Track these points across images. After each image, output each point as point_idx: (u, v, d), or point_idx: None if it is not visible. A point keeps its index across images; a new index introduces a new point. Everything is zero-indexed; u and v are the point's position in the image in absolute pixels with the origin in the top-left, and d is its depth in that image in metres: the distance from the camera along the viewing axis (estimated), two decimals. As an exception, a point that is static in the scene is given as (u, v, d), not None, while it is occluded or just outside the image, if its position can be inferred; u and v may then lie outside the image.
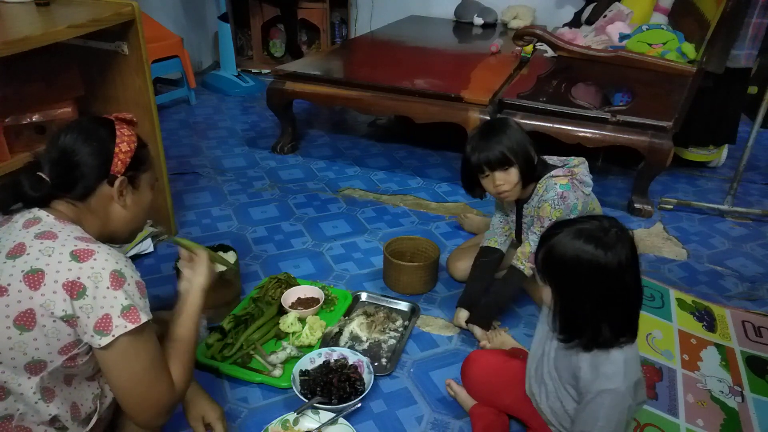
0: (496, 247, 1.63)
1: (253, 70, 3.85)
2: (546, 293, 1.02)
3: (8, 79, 1.50)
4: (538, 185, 1.49)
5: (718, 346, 1.55)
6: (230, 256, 1.59)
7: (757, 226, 2.23)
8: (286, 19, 3.85)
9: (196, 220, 2.10)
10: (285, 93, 2.48)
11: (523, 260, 1.51)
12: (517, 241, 1.64)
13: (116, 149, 0.97)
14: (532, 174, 1.46)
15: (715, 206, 2.28)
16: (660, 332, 1.56)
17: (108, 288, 0.86)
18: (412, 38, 3.24)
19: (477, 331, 1.53)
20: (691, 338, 1.56)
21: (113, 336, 0.85)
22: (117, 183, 0.98)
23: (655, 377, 1.41)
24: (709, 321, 1.65)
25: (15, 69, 1.48)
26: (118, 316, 0.86)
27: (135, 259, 1.81)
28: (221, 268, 1.35)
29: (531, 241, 1.49)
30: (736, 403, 1.37)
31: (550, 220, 1.44)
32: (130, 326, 0.86)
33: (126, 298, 0.87)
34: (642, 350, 1.48)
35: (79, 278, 0.85)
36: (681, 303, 1.70)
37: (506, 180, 1.42)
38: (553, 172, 1.47)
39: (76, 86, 1.68)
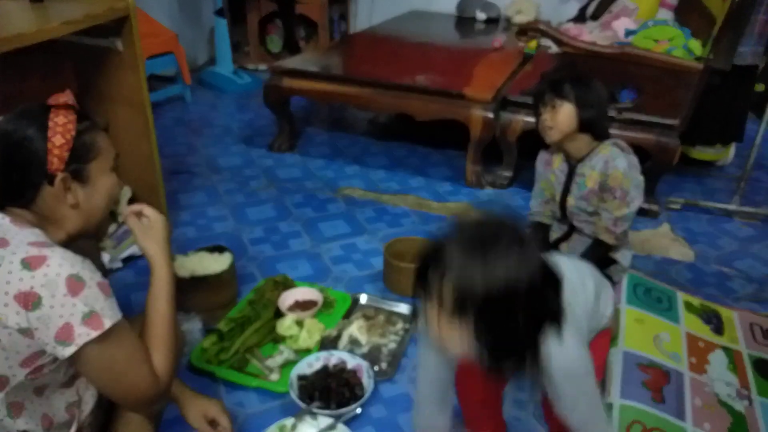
0: (547, 223, 1.72)
1: (250, 67, 3.82)
2: (457, 337, 0.76)
3: (1, 76, 1.49)
4: (600, 147, 1.51)
5: (725, 349, 1.53)
6: (226, 258, 1.57)
7: (765, 227, 2.20)
8: (283, 15, 3.83)
9: (191, 220, 2.07)
10: (282, 90, 2.45)
11: (603, 232, 1.56)
12: (561, 207, 1.64)
13: (48, 145, 0.87)
14: (595, 125, 1.49)
15: (723, 206, 2.25)
16: (668, 335, 1.54)
17: (65, 295, 0.80)
18: (413, 34, 3.22)
19: None
20: (698, 341, 1.54)
21: (77, 345, 0.81)
22: (57, 182, 0.89)
23: (662, 380, 1.38)
24: (716, 324, 1.63)
25: (8, 66, 1.46)
26: (80, 324, 0.81)
27: (130, 260, 1.78)
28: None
29: (604, 218, 1.54)
30: (744, 406, 1.35)
31: (623, 189, 1.47)
32: (94, 333, 0.82)
33: (86, 305, 0.82)
34: (650, 353, 1.45)
35: (32, 288, 0.79)
36: (689, 306, 1.68)
37: (552, 116, 1.47)
38: (617, 140, 1.53)
39: (69, 83, 1.67)
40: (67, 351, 0.81)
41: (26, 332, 0.80)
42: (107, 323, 0.83)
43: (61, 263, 0.81)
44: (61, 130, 0.88)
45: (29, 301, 0.79)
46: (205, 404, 1.12)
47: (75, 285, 0.81)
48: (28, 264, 0.80)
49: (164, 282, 0.98)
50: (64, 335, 0.81)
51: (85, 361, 0.85)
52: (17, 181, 0.88)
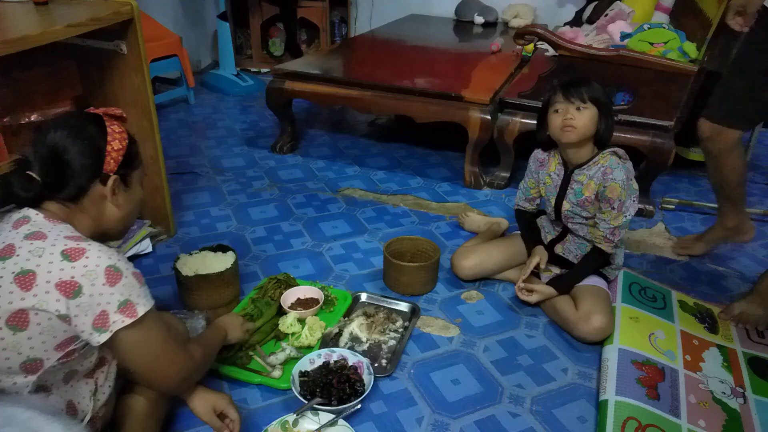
0: (532, 211, 1.76)
1: (253, 70, 3.84)
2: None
3: (7, 78, 1.49)
4: (599, 156, 1.52)
5: (720, 347, 1.54)
6: (229, 257, 1.59)
7: (759, 226, 2.21)
8: (285, 18, 3.85)
9: (195, 220, 2.09)
10: (284, 92, 2.47)
11: (602, 242, 1.56)
12: (556, 211, 1.64)
13: (108, 147, 0.96)
14: (605, 136, 1.50)
15: (717, 206, 2.27)
16: (662, 333, 1.55)
17: (104, 285, 0.87)
18: (412, 37, 3.24)
19: (546, 290, 1.60)
20: (693, 339, 1.56)
21: (111, 331, 0.88)
22: (110, 182, 0.97)
23: (657, 377, 1.40)
24: (710, 323, 1.64)
25: (13, 68, 1.48)
26: (115, 312, 0.88)
27: (133, 259, 1.80)
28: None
29: (602, 228, 1.54)
30: (738, 404, 1.36)
31: (620, 201, 1.48)
32: (128, 320, 0.89)
33: (122, 294, 0.88)
34: (644, 350, 1.47)
35: (73, 277, 0.85)
36: (683, 305, 1.70)
37: (578, 115, 1.46)
38: (615, 149, 1.52)
39: (74, 85, 1.68)
40: (102, 337, 0.88)
41: (65, 319, 0.86)
42: (141, 311, 0.90)
43: (100, 255, 0.88)
44: (118, 136, 0.99)
45: (70, 289, 0.85)
46: (213, 397, 1.15)
47: (113, 275, 0.88)
48: (68, 255, 0.86)
49: (223, 340, 1.31)
50: (101, 322, 0.87)
51: (121, 346, 0.91)
52: (71, 174, 0.93)
